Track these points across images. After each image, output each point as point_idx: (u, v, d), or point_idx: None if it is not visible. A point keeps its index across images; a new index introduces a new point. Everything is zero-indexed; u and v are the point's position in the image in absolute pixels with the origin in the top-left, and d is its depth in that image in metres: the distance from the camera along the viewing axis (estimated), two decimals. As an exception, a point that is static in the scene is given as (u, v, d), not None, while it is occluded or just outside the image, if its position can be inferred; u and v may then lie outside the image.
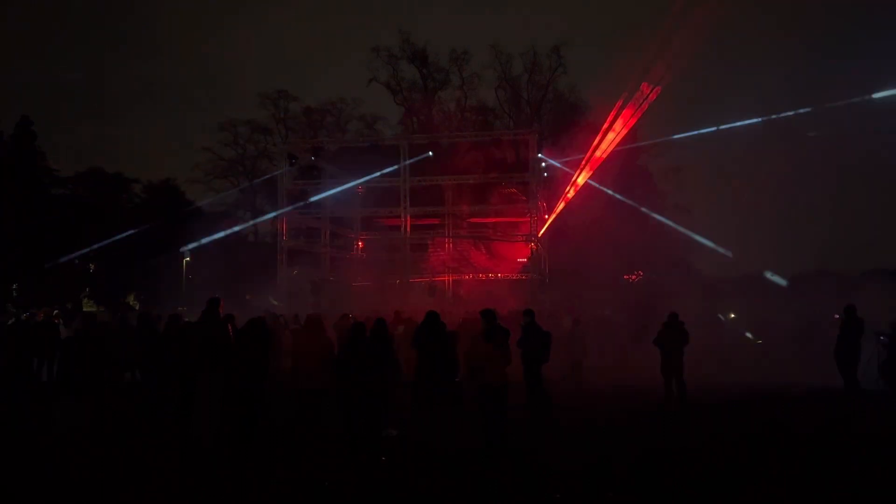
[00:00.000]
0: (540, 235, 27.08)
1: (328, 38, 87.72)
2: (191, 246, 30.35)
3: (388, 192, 28.36)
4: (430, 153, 27.50)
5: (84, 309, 34.90)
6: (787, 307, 22.69)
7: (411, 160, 26.45)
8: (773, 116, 22.61)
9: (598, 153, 24.52)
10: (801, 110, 22.16)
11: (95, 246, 33.44)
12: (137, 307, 33.78)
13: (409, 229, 27.24)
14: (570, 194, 26.24)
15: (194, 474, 7.24)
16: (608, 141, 23.94)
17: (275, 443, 8.46)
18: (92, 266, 38.27)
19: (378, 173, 27.22)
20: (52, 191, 38.48)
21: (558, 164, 27.98)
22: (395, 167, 26.39)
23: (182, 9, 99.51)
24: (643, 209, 29.37)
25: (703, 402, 12.39)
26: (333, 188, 27.75)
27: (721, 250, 25.38)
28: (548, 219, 27.48)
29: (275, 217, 28.46)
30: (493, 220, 30.01)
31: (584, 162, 25.28)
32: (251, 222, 36.71)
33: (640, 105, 21.59)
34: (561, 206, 26.65)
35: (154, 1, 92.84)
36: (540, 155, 27.37)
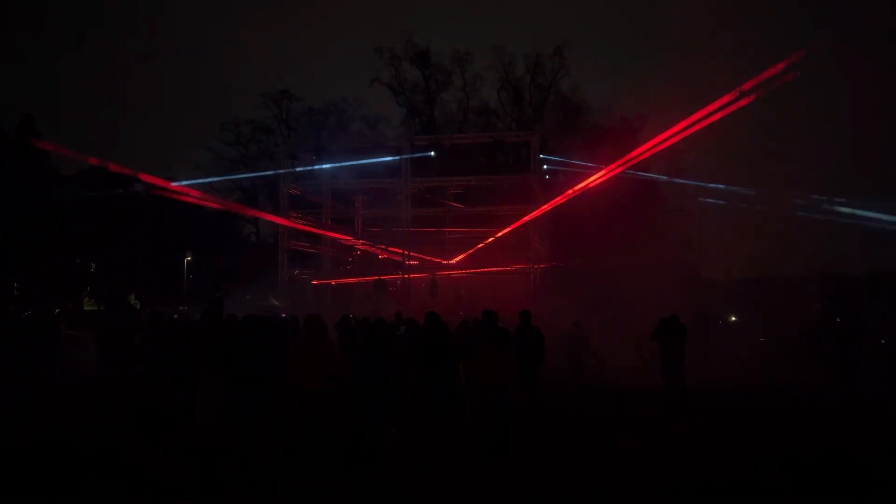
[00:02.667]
0: (541, 237, 27.10)
1: (331, 38, 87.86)
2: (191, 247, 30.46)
3: (389, 192, 28.38)
4: (433, 153, 27.54)
5: (86, 308, 34.96)
6: (788, 309, 22.68)
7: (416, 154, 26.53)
8: None
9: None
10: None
11: (97, 245, 33.51)
12: (138, 306, 33.82)
13: (409, 230, 27.25)
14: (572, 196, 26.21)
15: (194, 474, 7.23)
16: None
17: (275, 442, 8.45)
18: (93, 265, 38.32)
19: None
20: (55, 190, 38.52)
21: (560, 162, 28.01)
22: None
23: (185, 8, 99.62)
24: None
25: (705, 404, 12.39)
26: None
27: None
28: (549, 220, 27.49)
29: (277, 216, 28.44)
30: (496, 230, 29.91)
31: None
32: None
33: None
34: (561, 201, 26.58)
35: (157, 1, 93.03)
36: (542, 156, 27.39)
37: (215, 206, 27.18)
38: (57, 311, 25.96)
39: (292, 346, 8.79)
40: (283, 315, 16.95)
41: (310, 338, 8.87)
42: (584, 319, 17.93)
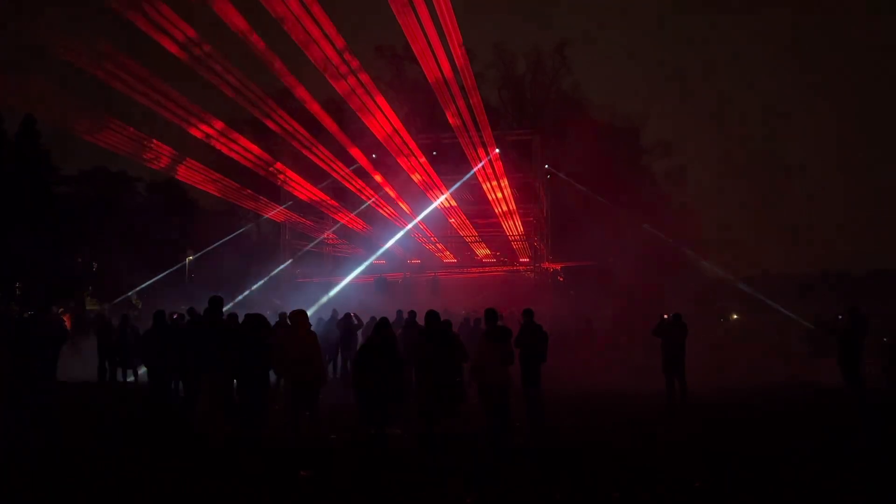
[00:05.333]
0: (543, 235, 27.08)
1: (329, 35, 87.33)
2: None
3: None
4: (434, 153, 27.51)
5: (87, 307, 34.97)
6: (790, 308, 22.67)
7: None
8: None
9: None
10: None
11: (98, 244, 33.49)
12: (140, 306, 33.82)
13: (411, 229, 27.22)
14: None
15: (194, 472, 7.23)
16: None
17: (274, 439, 8.45)
18: (95, 264, 38.35)
19: None
20: (56, 189, 38.53)
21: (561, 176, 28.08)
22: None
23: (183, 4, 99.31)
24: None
25: (705, 403, 12.37)
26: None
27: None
28: (551, 219, 27.46)
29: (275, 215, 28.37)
30: (497, 235, 29.85)
31: None
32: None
33: None
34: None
35: None
36: (542, 155, 27.39)
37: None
38: (61, 310, 25.99)
39: (280, 342, 8.85)
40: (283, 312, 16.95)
41: (294, 332, 8.88)
42: (587, 318, 17.93)
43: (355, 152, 21.47)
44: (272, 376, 8.89)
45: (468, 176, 25.39)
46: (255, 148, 20.34)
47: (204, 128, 17.15)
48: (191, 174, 20.95)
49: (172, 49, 13.07)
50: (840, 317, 13.04)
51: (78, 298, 35.67)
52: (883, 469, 7.58)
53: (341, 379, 14.51)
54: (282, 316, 13.53)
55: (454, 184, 28.67)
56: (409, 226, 26.54)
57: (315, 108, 17.89)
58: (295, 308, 9.34)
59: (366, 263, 26.18)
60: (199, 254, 32.51)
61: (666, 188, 40.93)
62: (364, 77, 16.29)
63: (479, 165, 23.03)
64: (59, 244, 33.28)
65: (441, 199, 24.98)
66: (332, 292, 24.62)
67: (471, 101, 18.72)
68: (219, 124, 17.70)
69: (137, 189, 43.14)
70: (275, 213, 27.09)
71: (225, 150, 19.27)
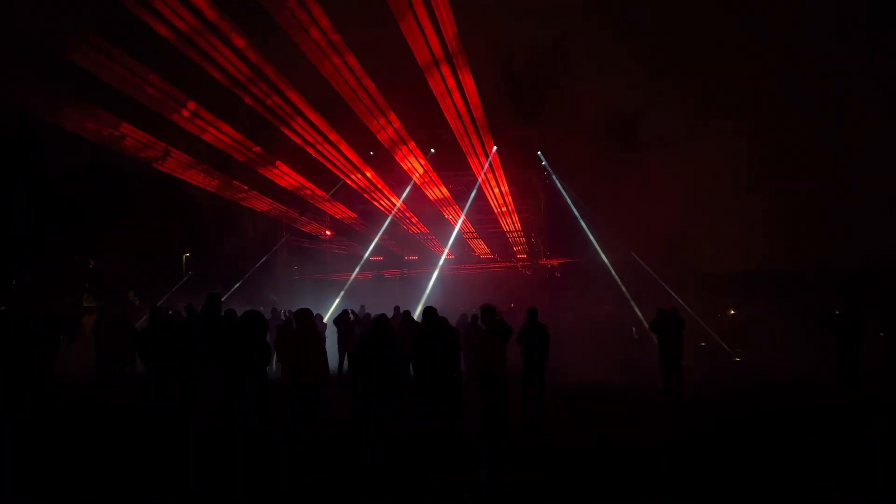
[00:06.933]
0: (540, 232, 27.09)
1: (327, 31, 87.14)
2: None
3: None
4: (433, 150, 27.55)
5: (84, 304, 34.92)
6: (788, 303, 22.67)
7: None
8: None
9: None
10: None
11: (95, 241, 33.43)
12: (137, 303, 33.80)
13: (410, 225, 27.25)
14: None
15: (193, 470, 7.23)
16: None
17: (274, 438, 8.45)
18: (92, 262, 38.25)
19: None
20: (54, 186, 38.41)
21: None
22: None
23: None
24: None
25: (704, 398, 12.39)
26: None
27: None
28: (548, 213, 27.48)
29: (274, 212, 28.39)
30: (495, 231, 29.83)
31: None
32: None
33: None
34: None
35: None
36: (539, 153, 27.40)
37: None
38: (70, 304, 25.95)
39: (285, 339, 8.82)
40: (283, 310, 16.96)
41: (300, 330, 8.88)
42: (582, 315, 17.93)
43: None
44: (271, 375, 8.88)
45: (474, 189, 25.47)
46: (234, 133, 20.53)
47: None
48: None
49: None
50: (837, 312, 13.10)
51: (76, 297, 35.61)
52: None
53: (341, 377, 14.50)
54: (293, 314, 13.46)
55: (453, 180, 28.73)
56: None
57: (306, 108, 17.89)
58: (301, 307, 9.32)
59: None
60: (195, 250, 32.48)
61: (664, 182, 40.79)
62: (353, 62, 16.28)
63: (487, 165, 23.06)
64: (57, 241, 33.22)
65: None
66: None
67: (469, 100, 18.68)
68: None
69: (135, 185, 43.01)
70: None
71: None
